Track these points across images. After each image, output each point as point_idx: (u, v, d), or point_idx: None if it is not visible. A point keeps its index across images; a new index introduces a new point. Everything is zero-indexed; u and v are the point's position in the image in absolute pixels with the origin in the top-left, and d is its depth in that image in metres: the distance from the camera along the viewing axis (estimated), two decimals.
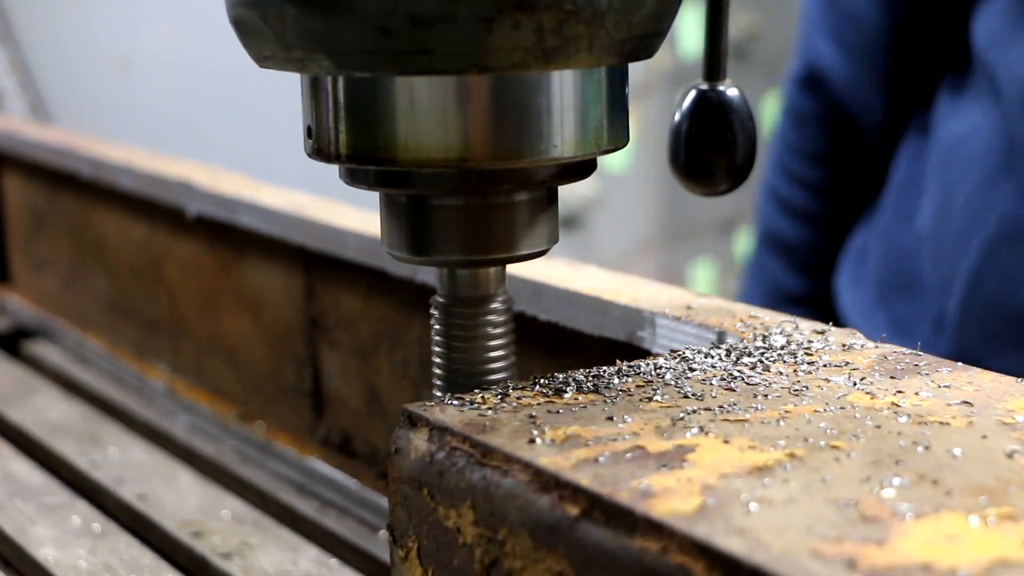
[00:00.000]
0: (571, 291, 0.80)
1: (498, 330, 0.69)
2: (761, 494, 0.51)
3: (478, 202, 0.65)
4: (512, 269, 0.84)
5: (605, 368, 0.65)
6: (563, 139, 0.62)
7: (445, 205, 0.65)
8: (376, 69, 0.60)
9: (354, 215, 1.00)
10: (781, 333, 0.70)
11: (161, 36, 2.51)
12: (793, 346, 0.68)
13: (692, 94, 0.74)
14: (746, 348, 0.68)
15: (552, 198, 0.67)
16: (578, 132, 0.63)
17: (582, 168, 0.66)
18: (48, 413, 1.16)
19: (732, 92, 0.74)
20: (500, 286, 0.69)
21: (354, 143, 0.63)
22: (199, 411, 1.13)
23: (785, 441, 0.56)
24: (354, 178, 0.66)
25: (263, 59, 0.63)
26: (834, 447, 0.55)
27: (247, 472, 1.02)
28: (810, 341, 0.69)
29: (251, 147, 2.47)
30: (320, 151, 0.64)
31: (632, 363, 0.66)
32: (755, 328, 0.71)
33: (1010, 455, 0.54)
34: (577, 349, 0.81)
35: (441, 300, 0.69)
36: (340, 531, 0.92)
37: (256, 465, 1.04)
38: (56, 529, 0.93)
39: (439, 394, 0.69)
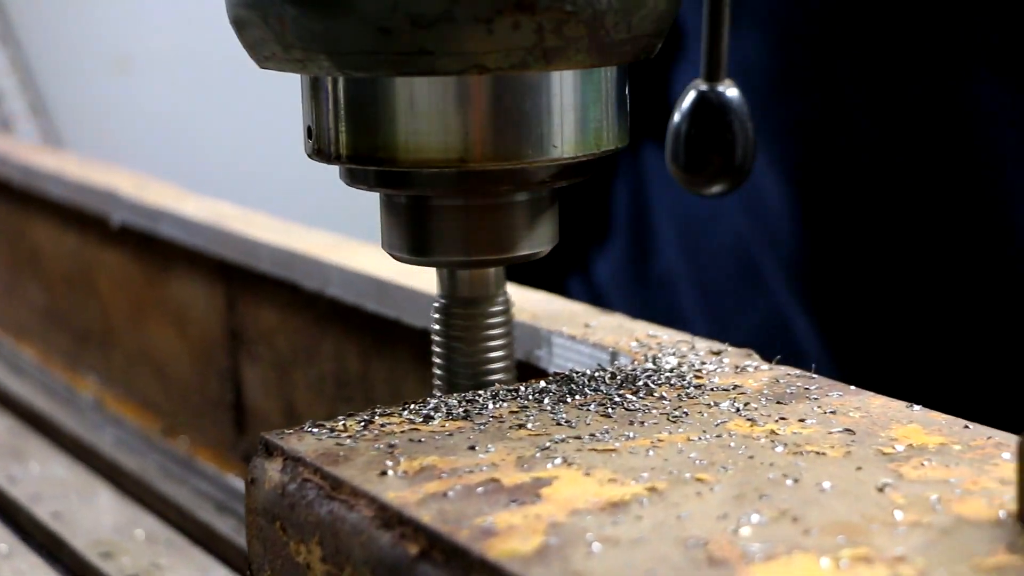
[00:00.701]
0: None
1: (498, 331, 0.68)
2: (609, 533, 0.48)
3: (478, 203, 0.64)
4: (415, 282, 0.81)
5: (482, 392, 0.63)
6: (563, 139, 0.62)
7: (445, 206, 0.64)
8: (376, 70, 0.59)
9: (271, 226, 0.97)
10: (674, 354, 0.67)
11: (162, 36, 2.49)
12: (684, 368, 0.65)
13: (692, 94, 0.73)
14: (634, 370, 0.65)
15: (552, 198, 0.66)
16: (578, 132, 0.62)
17: (582, 168, 0.65)
18: None
19: (732, 92, 0.73)
20: (500, 287, 0.68)
21: (354, 143, 0.62)
22: (126, 425, 1.10)
23: (649, 473, 0.53)
24: (354, 179, 0.65)
25: (263, 59, 0.63)
26: (699, 480, 0.53)
27: (168, 488, 1.00)
28: (703, 363, 0.66)
29: (251, 147, 2.45)
30: (320, 151, 0.64)
31: (512, 386, 0.63)
32: (649, 348, 0.68)
33: (881, 489, 0.51)
34: None
35: (441, 301, 0.68)
36: None
37: (178, 481, 1.01)
38: None
39: (439, 395, 0.67)
